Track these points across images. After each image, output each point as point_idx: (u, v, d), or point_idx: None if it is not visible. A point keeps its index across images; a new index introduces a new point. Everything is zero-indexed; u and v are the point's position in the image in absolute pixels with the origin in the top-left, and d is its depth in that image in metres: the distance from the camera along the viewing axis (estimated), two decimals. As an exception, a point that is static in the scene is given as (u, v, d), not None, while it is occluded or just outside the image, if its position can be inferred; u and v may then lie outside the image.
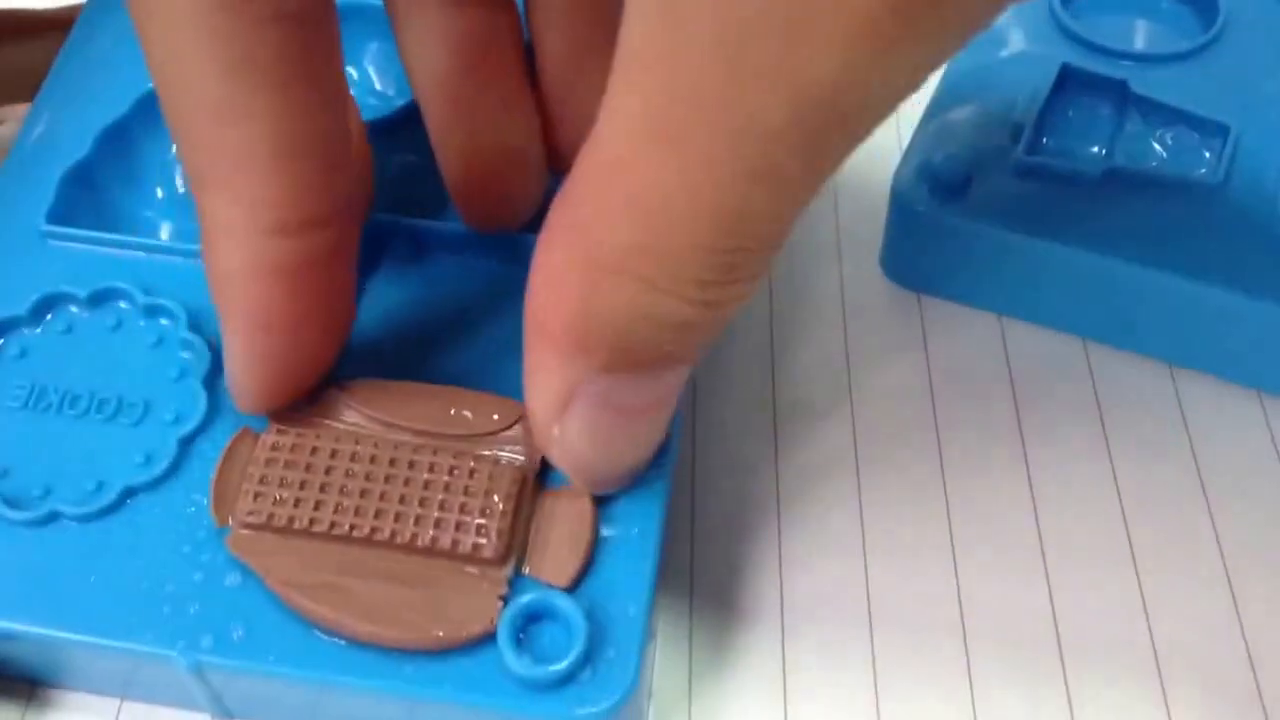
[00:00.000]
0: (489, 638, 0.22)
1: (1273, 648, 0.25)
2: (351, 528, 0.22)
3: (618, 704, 0.21)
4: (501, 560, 0.22)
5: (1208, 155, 0.30)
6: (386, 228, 0.27)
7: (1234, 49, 0.32)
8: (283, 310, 0.21)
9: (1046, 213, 0.29)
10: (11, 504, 0.24)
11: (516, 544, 0.23)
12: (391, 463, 0.23)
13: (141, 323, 0.26)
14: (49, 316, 0.26)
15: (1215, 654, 0.25)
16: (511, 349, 0.21)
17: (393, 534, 0.22)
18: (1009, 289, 0.30)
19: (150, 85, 0.29)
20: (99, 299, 0.26)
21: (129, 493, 0.24)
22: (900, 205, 0.30)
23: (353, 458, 0.23)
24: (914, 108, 0.32)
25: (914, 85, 0.16)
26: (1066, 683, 0.25)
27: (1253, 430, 0.29)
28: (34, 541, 0.23)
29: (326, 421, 0.24)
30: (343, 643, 0.22)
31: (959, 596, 0.26)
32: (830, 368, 0.29)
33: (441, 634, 0.22)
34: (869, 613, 0.26)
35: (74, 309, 0.26)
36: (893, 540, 0.27)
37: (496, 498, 0.23)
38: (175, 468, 0.24)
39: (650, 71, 0.16)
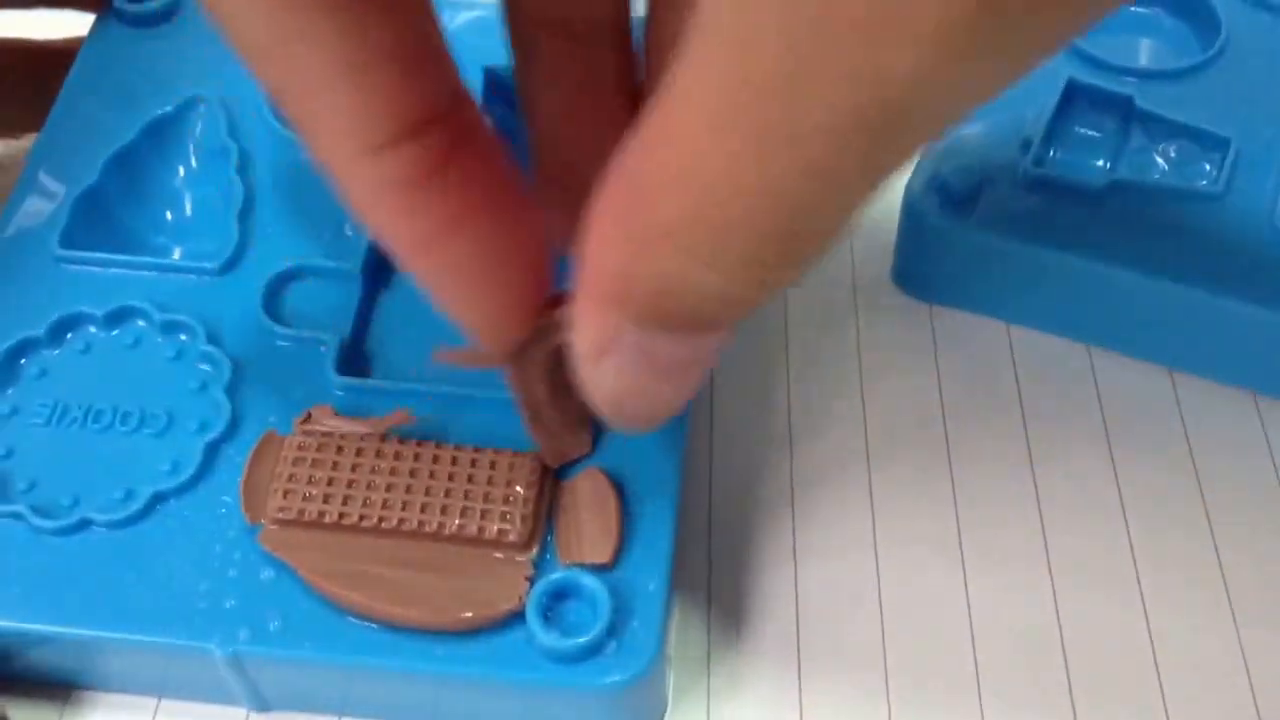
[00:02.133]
0: (517, 617, 0.23)
1: (1266, 646, 0.26)
2: (380, 519, 0.23)
3: (643, 671, 0.22)
4: (526, 544, 0.23)
5: (1208, 168, 0.31)
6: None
7: (1234, 66, 0.33)
8: (427, 226, 0.20)
9: (1053, 224, 0.30)
10: (42, 513, 0.24)
11: (539, 529, 0.24)
12: (415, 458, 0.24)
13: (159, 339, 0.27)
14: (68, 336, 0.27)
15: (1210, 650, 0.26)
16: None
17: (420, 524, 0.23)
18: (1016, 298, 0.31)
19: (157, 114, 0.30)
20: (116, 318, 0.27)
21: (158, 498, 0.25)
22: (911, 217, 0.31)
23: (377, 454, 0.24)
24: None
25: (989, 96, 0.15)
26: (1069, 674, 0.26)
27: (1248, 431, 0.30)
28: (67, 548, 0.24)
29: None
30: (375, 628, 0.23)
31: (966, 593, 0.27)
32: (843, 375, 0.30)
33: (471, 614, 0.23)
34: (880, 608, 0.27)
35: (92, 329, 0.27)
36: (903, 538, 0.28)
37: (519, 486, 0.24)
38: (202, 473, 0.25)
39: (719, 52, 0.15)
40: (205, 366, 0.26)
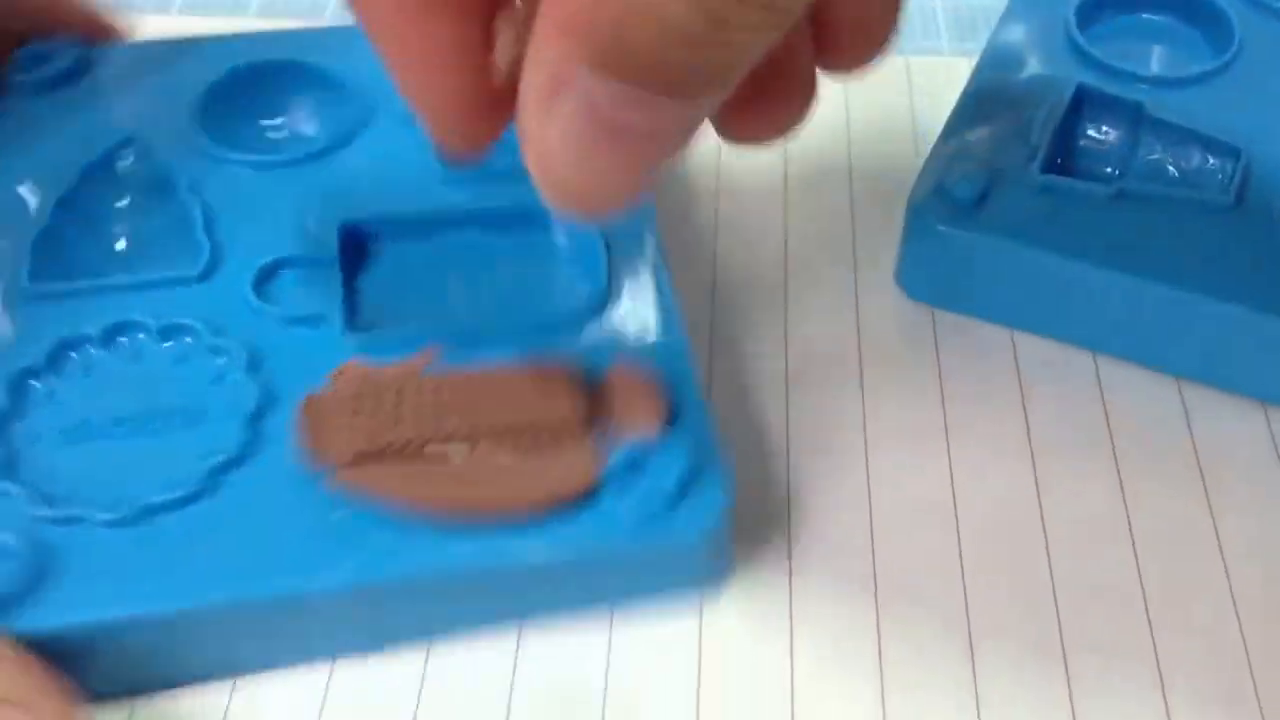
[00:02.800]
0: (592, 493, 0.24)
1: (1272, 655, 0.26)
2: (446, 435, 0.25)
3: (717, 522, 0.24)
4: (585, 425, 0.25)
5: (1219, 176, 0.31)
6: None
7: (1246, 74, 0.33)
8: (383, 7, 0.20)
9: (1060, 230, 0.30)
10: (102, 508, 0.24)
11: (589, 414, 0.25)
12: (460, 381, 0.26)
13: (162, 345, 0.27)
14: (71, 356, 0.27)
15: (1217, 663, 0.26)
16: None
17: (482, 429, 0.25)
18: (1022, 304, 0.31)
19: (93, 158, 0.31)
20: (112, 334, 0.27)
21: (214, 474, 0.25)
22: (917, 221, 0.31)
23: (418, 389, 0.25)
24: (932, 126, 0.33)
25: None
26: (1069, 679, 0.25)
27: (1257, 442, 0.29)
28: (137, 537, 0.24)
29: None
30: (465, 535, 0.24)
31: (966, 604, 0.26)
32: (845, 379, 0.30)
33: (552, 496, 0.24)
34: (876, 623, 0.26)
35: (91, 349, 0.27)
36: (903, 550, 0.27)
37: (560, 382, 0.26)
38: (249, 444, 0.25)
39: None
40: (218, 359, 0.27)
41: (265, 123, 0.33)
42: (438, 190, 0.30)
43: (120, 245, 0.30)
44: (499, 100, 0.20)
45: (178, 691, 0.25)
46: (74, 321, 0.27)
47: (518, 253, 0.30)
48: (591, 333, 0.27)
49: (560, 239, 0.30)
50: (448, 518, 0.24)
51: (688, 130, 0.19)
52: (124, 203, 0.31)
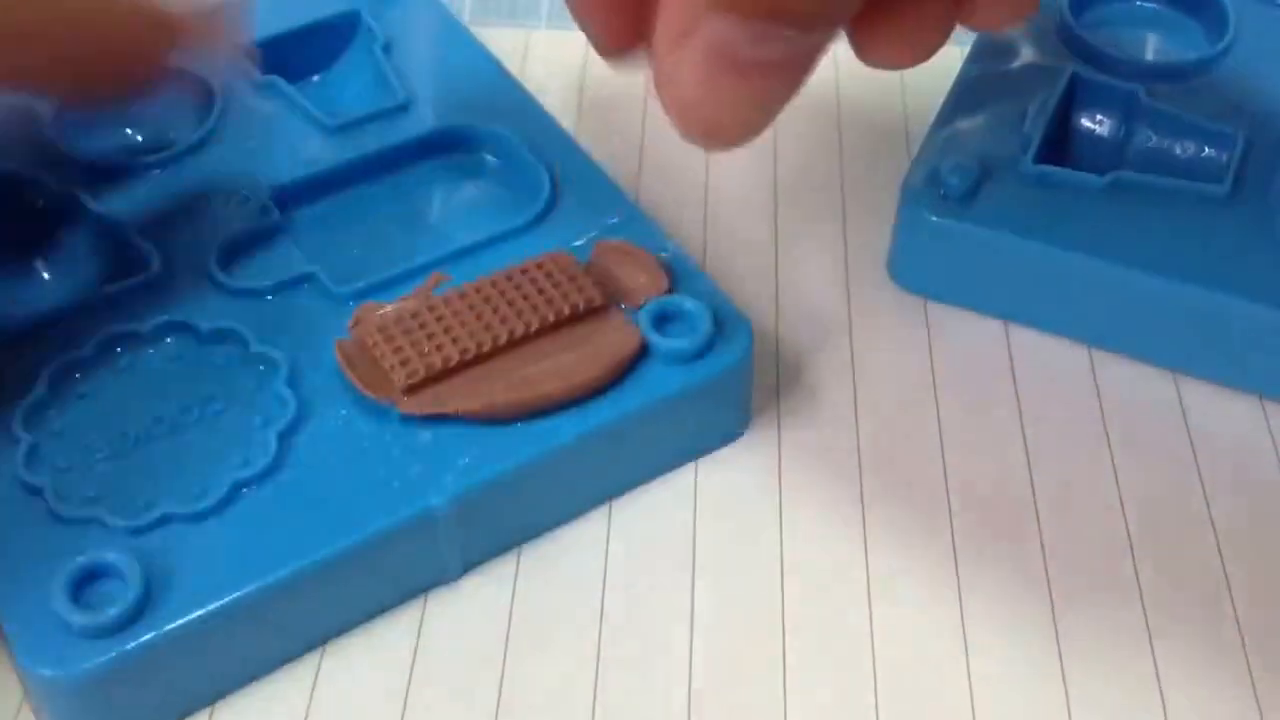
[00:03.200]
0: (641, 354, 0.27)
1: (1271, 651, 0.25)
2: (492, 341, 0.26)
3: (746, 352, 0.27)
4: (608, 301, 0.27)
5: (1215, 166, 0.31)
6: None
7: (1242, 62, 0.33)
8: None
9: (1054, 221, 0.29)
10: (182, 500, 0.24)
11: (606, 289, 0.27)
12: (476, 292, 0.27)
13: (150, 349, 0.27)
14: (117, 351, 0.27)
15: (1212, 655, 0.25)
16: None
17: (526, 328, 0.26)
18: (1015, 295, 0.30)
19: None
20: (156, 334, 0.27)
21: (283, 439, 0.25)
22: (909, 211, 0.30)
23: (445, 305, 0.27)
24: (925, 116, 0.32)
25: None
26: (1064, 677, 0.25)
27: (1254, 435, 0.29)
28: (231, 518, 0.24)
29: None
30: (540, 424, 0.26)
31: (960, 604, 0.26)
32: (836, 372, 0.30)
33: (611, 366, 0.26)
34: (869, 620, 0.26)
35: (130, 350, 0.27)
36: (894, 537, 0.27)
37: (573, 268, 0.27)
38: (305, 406, 0.26)
39: None
40: (231, 344, 0.27)
41: (129, 131, 0.32)
42: (329, 146, 0.31)
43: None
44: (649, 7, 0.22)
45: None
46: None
47: (446, 177, 0.31)
48: (556, 229, 0.29)
49: (488, 156, 0.31)
50: (519, 414, 0.26)
51: (809, 61, 0.20)
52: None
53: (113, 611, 0.23)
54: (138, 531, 0.24)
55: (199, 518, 0.24)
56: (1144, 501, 0.28)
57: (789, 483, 0.28)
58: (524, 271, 0.27)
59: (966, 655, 0.25)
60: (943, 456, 0.28)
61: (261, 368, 0.27)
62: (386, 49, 0.33)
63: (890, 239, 0.31)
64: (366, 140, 0.31)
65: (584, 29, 0.22)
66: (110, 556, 0.23)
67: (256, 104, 0.32)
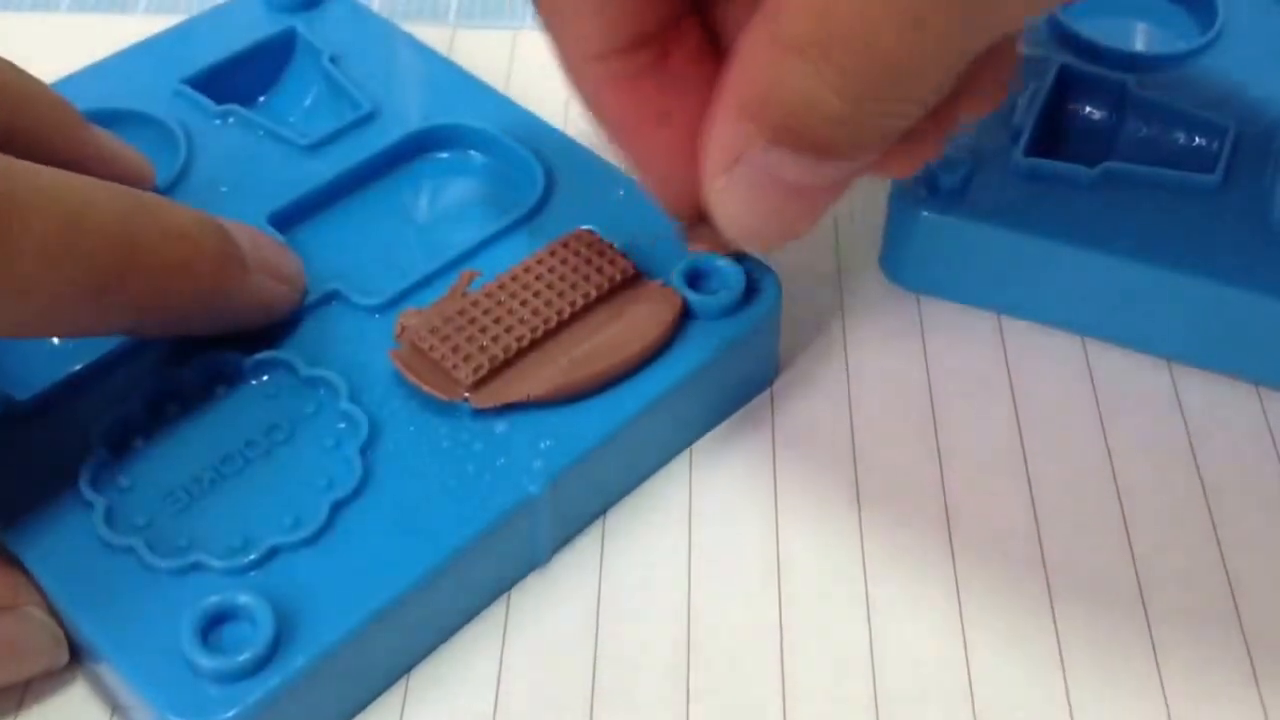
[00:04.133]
0: (683, 317, 0.27)
1: (1271, 641, 0.25)
2: (542, 326, 0.27)
3: (775, 302, 0.28)
4: (638, 273, 0.28)
5: (1206, 155, 0.30)
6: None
7: (1231, 51, 0.33)
8: (639, 116, 0.24)
9: (1046, 213, 0.29)
10: (289, 529, 0.24)
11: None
12: (513, 280, 0.27)
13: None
14: (165, 403, 0.26)
15: (1214, 647, 0.25)
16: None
17: (572, 307, 0.27)
18: (1008, 289, 0.30)
19: None
20: (200, 379, 0.26)
21: (364, 455, 0.25)
22: (900, 206, 0.30)
23: (487, 298, 0.27)
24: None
25: None
26: (1065, 671, 0.25)
27: (1250, 424, 0.29)
28: (337, 540, 0.24)
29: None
30: (608, 396, 0.26)
31: (959, 599, 0.26)
32: (830, 368, 0.30)
33: (662, 328, 0.27)
34: (868, 620, 0.26)
35: (178, 400, 0.26)
36: (890, 532, 0.27)
37: (598, 243, 0.28)
38: (371, 419, 0.26)
39: None
40: (279, 372, 0.27)
41: None
42: (309, 163, 0.31)
43: None
44: None
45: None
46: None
47: (435, 177, 0.31)
48: (563, 210, 0.30)
49: (472, 152, 0.32)
50: (585, 390, 0.26)
51: (849, 180, 0.23)
52: None
53: (250, 651, 0.22)
54: (246, 569, 0.24)
55: (307, 544, 0.24)
56: (1140, 490, 0.28)
57: (783, 477, 0.28)
58: (553, 254, 0.28)
59: (965, 651, 0.25)
60: (938, 450, 0.28)
61: (322, 391, 0.26)
62: (334, 61, 0.33)
63: (882, 235, 0.31)
64: (345, 152, 0.31)
65: (667, 208, 0.25)
66: (238, 598, 0.23)
67: (221, 135, 0.31)
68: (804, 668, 0.25)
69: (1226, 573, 0.26)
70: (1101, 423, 0.29)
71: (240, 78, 0.33)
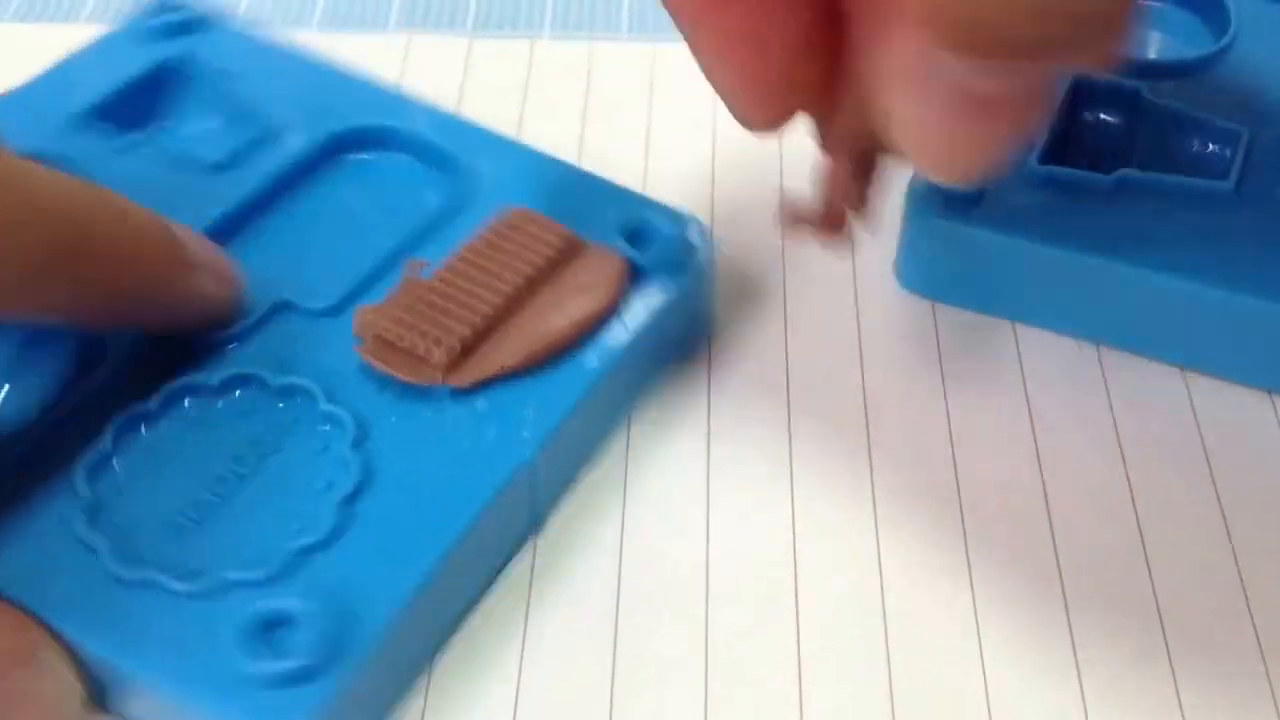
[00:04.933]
0: (629, 276, 0.28)
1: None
2: (504, 303, 0.27)
3: (710, 250, 0.29)
4: (579, 239, 0.29)
5: (1220, 162, 0.31)
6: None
7: (1245, 58, 0.33)
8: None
9: (1060, 221, 0.29)
10: (303, 530, 0.24)
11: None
12: (463, 261, 0.28)
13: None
14: (134, 433, 0.26)
15: (1227, 652, 0.25)
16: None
17: (526, 280, 0.28)
18: (1023, 296, 0.30)
19: None
20: (167, 403, 0.26)
21: (358, 451, 0.25)
22: (915, 214, 0.30)
23: (441, 281, 0.28)
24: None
25: None
26: (1080, 674, 0.25)
27: (1266, 432, 0.29)
28: (356, 536, 0.24)
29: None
30: (574, 358, 0.27)
31: (974, 604, 0.26)
32: (845, 376, 0.30)
33: (613, 288, 0.28)
34: (885, 635, 0.26)
35: (150, 427, 0.26)
36: (908, 542, 0.27)
37: (534, 217, 0.29)
38: (355, 417, 0.26)
39: None
40: (253, 386, 0.27)
41: None
42: (218, 183, 0.30)
43: None
44: (796, 86, 0.24)
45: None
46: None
47: (354, 178, 0.31)
48: (485, 198, 0.30)
49: (391, 155, 0.32)
50: (552, 356, 0.27)
51: (1045, 93, 0.21)
52: None
53: (308, 651, 0.22)
54: (274, 579, 0.24)
55: (325, 545, 0.24)
56: (1156, 499, 0.28)
57: (799, 484, 0.28)
58: (493, 232, 0.29)
59: (982, 658, 0.25)
60: (953, 458, 0.28)
61: (298, 398, 0.26)
62: (229, 80, 0.32)
63: (897, 243, 0.31)
64: (255, 167, 0.30)
65: (729, 106, 0.24)
66: (283, 603, 0.23)
67: (125, 165, 0.31)
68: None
69: (1240, 579, 0.26)
70: (1116, 429, 0.29)
71: (134, 107, 0.32)
